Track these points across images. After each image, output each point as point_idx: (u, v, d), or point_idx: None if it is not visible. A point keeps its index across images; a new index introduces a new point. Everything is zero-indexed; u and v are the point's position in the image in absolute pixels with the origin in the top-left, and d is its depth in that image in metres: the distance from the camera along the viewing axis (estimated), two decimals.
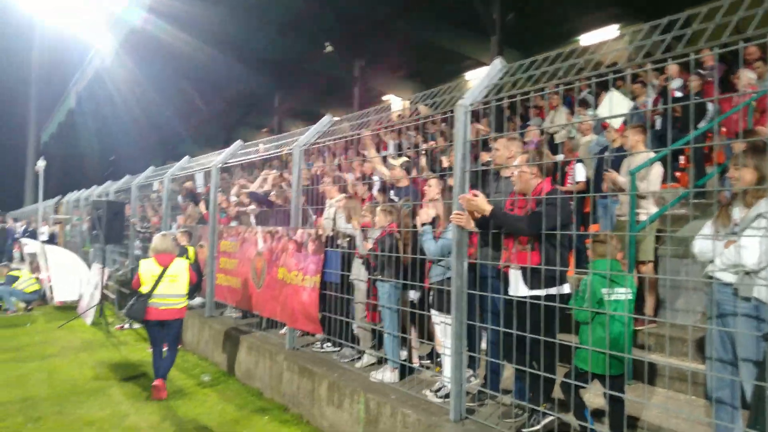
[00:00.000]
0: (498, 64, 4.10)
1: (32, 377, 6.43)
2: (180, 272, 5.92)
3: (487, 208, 3.70)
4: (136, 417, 5.19)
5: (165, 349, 5.92)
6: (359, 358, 5.39)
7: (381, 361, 5.10)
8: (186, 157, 10.18)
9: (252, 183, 8.95)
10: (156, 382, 5.72)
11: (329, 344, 5.90)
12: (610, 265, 3.48)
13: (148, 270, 5.78)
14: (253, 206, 7.79)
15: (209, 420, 5.17)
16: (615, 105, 6.95)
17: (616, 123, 6.72)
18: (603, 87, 7.65)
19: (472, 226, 3.87)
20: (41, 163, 21.88)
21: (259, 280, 6.61)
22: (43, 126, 40.64)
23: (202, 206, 9.35)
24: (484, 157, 6.32)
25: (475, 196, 3.73)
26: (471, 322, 3.88)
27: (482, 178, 4.49)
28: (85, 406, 5.48)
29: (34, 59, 38.20)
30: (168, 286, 5.79)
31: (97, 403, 5.58)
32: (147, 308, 5.67)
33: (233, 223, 8.25)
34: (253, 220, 7.78)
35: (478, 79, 4.10)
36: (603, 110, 7.40)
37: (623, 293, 3.48)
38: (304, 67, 21.13)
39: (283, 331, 6.36)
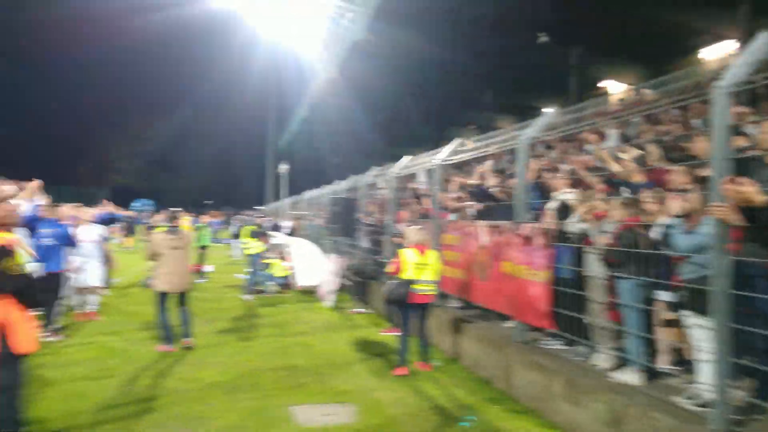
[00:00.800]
0: (763, 37, 3.64)
1: (292, 350, 7.55)
2: (434, 261, 6.49)
3: (759, 198, 3.32)
4: (380, 392, 5.79)
5: (399, 334, 6.46)
6: (593, 356, 5.23)
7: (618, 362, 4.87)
8: (407, 157, 10.87)
9: (468, 180, 9.21)
10: (421, 366, 6.54)
11: (557, 341, 5.81)
12: None
13: (410, 258, 6.41)
14: (473, 202, 8.00)
15: (444, 402, 5.53)
16: None
17: None
18: None
19: (736, 219, 3.49)
20: (284, 167, 25.25)
21: (483, 272, 6.81)
22: (281, 134, 46.89)
23: (425, 202, 9.90)
24: (740, 142, 5.58)
25: (742, 185, 3.37)
26: (735, 326, 3.52)
27: (744, 167, 4.00)
28: (336, 377, 6.28)
29: (272, 76, 44.20)
30: (427, 273, 6.40)
31: (346, 375, 6.35)
32: (410, 292, 6.31)
33: (452, 217, 8.57)
34: (472, 213, 7.99)
35: (740, 56, 3.70)
36: None
37: None
38: (516, 61, 20.79)
39: (508, 323, 6.45)
